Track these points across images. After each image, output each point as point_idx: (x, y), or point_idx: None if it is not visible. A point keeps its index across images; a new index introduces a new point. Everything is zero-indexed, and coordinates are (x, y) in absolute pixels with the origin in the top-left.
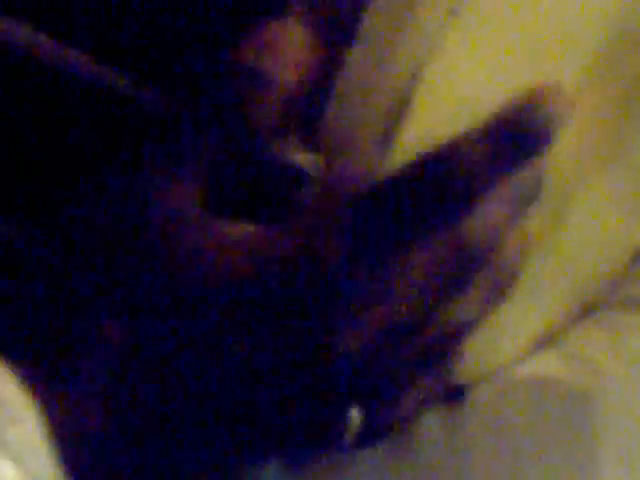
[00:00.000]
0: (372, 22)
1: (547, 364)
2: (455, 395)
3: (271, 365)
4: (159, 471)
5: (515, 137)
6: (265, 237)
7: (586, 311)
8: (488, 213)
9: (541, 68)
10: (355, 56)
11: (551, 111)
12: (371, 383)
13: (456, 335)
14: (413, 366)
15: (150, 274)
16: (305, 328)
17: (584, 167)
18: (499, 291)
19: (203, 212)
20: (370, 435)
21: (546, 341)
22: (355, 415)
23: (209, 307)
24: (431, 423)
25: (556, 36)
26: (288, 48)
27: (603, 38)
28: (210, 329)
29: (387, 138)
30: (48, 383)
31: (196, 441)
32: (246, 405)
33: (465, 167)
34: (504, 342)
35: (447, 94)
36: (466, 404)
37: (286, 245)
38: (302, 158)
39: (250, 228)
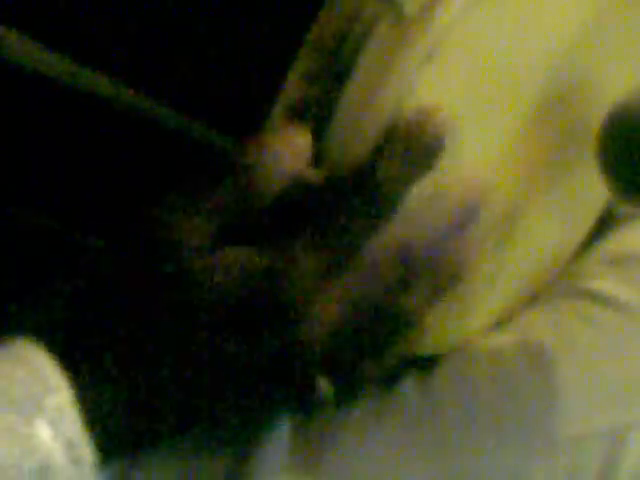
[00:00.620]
0: (362, 63)
1: (503, 340)
2: (427, 363)
3: (254, 356)
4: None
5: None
6: (250, 257)
7: (533, 298)
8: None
9: (488, 112)
10: (347, 93)
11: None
12: (335, 359)
13: (407, 320)
14: (371, 344)
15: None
16: (279, 325)
17: (531, 189)
18: (440, 290)
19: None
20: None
21: (503, 321)
22: (323, 383)
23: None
24: (407, 386)
25: (504, 85)
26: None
27: (545, 87)
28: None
29: None
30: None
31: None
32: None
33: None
34: (470, 321)
35: None
36: (437, 371)
37: (262, 262)
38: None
39: (243, 252)
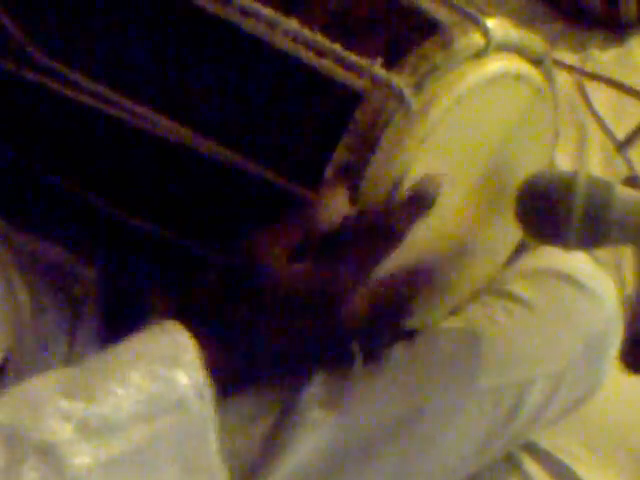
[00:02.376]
0: (383, 143)
1: (455, 322)
2: (414, 334)
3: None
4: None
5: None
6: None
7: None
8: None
9: (453, 180)
10: (374, 161)
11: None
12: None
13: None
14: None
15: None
16: (331, 310)
17: (477, 229)
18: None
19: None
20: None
21: (457, 311)
22: (356, 349)
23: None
24: (398, 351)
25: (464, 162)
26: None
27: (485, 166)
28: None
29: None
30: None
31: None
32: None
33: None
34: (439, 310)
35: None
36: (417, 340)
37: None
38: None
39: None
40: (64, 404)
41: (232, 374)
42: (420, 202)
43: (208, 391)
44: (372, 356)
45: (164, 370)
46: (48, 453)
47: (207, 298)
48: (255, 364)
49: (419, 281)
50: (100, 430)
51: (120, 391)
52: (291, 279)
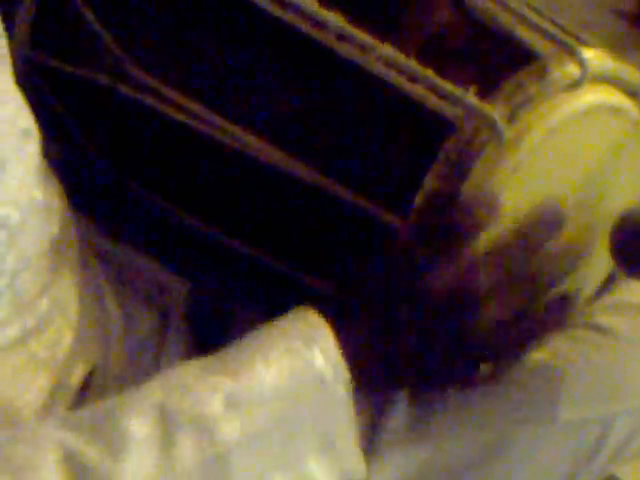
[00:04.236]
0: (474, 173)
1: (542, 354)
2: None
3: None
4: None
5: None
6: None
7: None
8: None
9: None
10: (465, 188)
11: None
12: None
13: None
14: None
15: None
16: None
17: None
18: None
19: None
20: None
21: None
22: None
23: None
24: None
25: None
26: None
27: (578, 198)
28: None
29: None
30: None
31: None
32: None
33: None
34: None
35: None
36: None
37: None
38: None
39: None
40: (212, 379)
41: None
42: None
43: (345, 372)
44: (467, 382)
45: (303, 348)
46: (201, 423)
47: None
48: (386, 364)
49: None
50: (246, 403)
51: (262, 367)
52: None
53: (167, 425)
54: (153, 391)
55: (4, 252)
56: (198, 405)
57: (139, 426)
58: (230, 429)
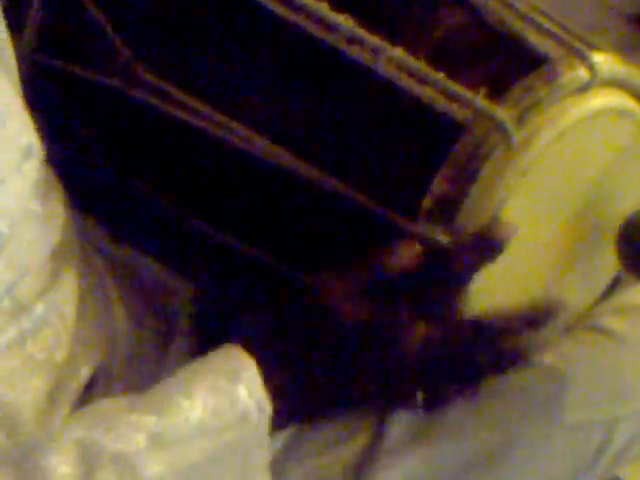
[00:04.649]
0: (483, 174)
1: (546, 356)
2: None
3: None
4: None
5: None
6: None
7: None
8: None
9: (548, 214)
10: (472, 194)
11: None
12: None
13: None
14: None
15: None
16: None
17: (572, 255)
18: None
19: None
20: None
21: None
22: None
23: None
24: (489, 382)
25: (559, 196)
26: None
27: (583, 201)
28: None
29: None
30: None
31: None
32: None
33: None
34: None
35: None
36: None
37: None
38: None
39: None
40: (135, 417)
41: (288, 405)
42: (488, 247)
43: (268, 405)
44: (435, 403)
45: (227, 385)
46: (123, 462)
47: (270, 326)
48: (311, 398)
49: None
50: (170, 441)
51: (187, 404)
52: (353, 316)
53: (88, 463)
54: (75, 428)
55: None
56: (121, 442)
57: (59, 464)
58: (154, 466)
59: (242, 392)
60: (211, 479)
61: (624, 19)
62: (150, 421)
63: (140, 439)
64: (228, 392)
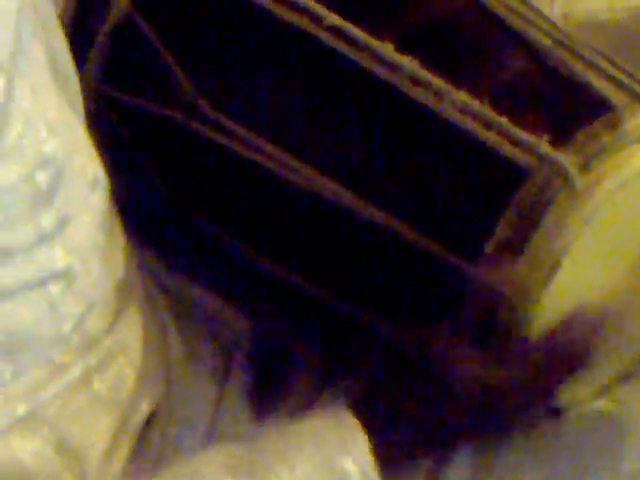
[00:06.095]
0: (543, 221)
1: (602, 403)
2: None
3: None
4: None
5: None
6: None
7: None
8: None
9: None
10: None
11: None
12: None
13: None
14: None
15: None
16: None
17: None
18: None
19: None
20: None
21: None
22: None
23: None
24: (546, 430)
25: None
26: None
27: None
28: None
29: None
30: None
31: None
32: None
33: None
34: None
35: (574, 285)
36: (569, 418)
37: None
38: None
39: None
40: None
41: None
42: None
43: (376, 478)
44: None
45: (332, 458)
46: None
47: (377, 389)
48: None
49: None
50: None
51: (286, 476)
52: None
53: None
54: None
55: (66, 300)
56: None
57: None
58: None
59: (349, 466)
60: None
61: None
62: None
63: None
64: (333, 468)
